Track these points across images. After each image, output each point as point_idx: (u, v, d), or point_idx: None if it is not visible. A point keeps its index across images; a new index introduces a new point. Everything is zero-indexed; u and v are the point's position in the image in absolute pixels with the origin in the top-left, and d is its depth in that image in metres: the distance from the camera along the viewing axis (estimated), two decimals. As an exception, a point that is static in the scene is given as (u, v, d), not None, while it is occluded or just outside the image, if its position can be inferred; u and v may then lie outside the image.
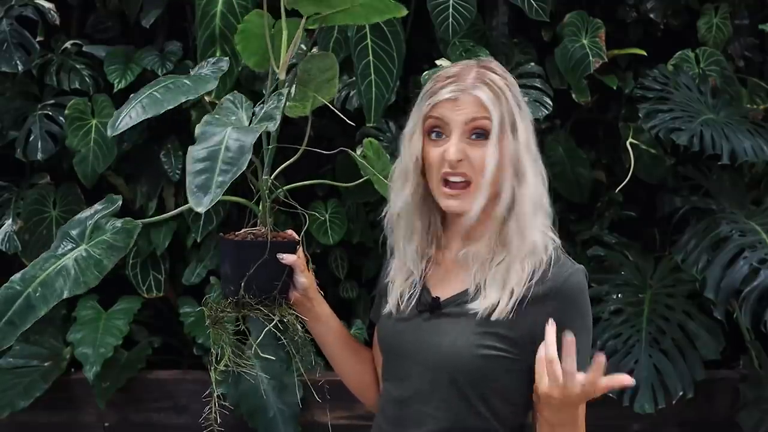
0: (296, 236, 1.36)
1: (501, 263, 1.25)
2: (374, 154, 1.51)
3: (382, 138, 2.26)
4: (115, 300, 2.38)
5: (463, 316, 1.25)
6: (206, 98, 1.95)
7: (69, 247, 1.28)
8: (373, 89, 2.08)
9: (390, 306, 1.34)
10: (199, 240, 2.34)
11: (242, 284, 1.26)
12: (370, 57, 2.07)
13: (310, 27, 1.36)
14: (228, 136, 1.16)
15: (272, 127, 1.21)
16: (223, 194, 1.11)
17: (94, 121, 2.31)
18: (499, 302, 1.23)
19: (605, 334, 2.15)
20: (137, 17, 2.36)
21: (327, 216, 2.31)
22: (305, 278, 1.34)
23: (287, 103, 1.33)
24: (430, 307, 1.29)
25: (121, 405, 2.30)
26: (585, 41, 2.27)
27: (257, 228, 1.34)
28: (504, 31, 2.31)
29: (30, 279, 1.23)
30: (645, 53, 2.35)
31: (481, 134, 1.23)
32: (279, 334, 1.31)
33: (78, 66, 2.39)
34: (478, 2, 2.13)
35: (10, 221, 2.39)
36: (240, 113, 1.31)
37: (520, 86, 2.18)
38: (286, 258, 1.30)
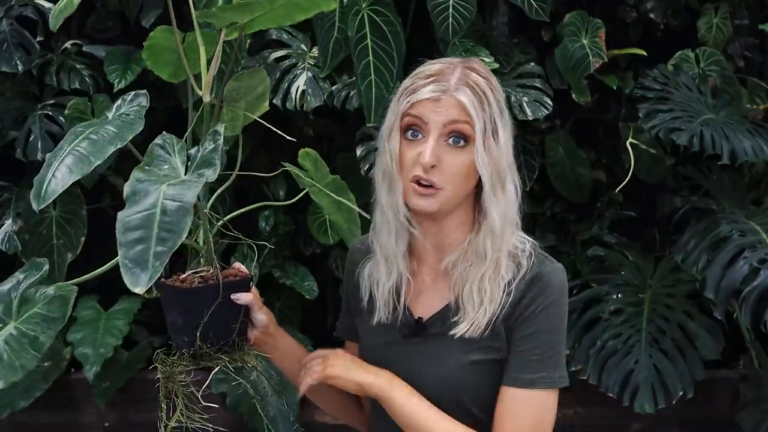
0: (247, 271, 1.26)
1: (478, 277, 1.21)
2: (312, 165, 1.43)
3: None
4: (115, 300, 2.38)
5: (450, 337, 1.23)
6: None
7: (-5, 326, 1.04)
8: (373, 89, 2.08)
9: (379, 313, 1.28)
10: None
11: (198, 334, 1.16)
12: (370, 57, 2.07)
13: (228, 38, 1.25)
14: (163, 195, 1.00)
15: (213, 175, 1.06)
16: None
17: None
18: (474, 321, 1.20)
19: (605, 334, 2.14)
20: (137, 17, 2.35)
21: (327, 216, 2.30)
22: (264, 314, 1.25)
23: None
24: (414, 330, 1.26)
25: (121, 405, 2.30)
26: (585, 41, 2.27)
27: (204, 268, 1.22)
28: (504, 31, 2.30)
29: None
30: (645, 53, 2.35)
31: (458, 139, 1.18)
32: (234, 375, 1.20)
33: (78, 66, 2.38)
34: (478, 2, 2.13)
35: (10, 221, 2.38)
36: (173, 160, 1.13)
37: (520, 86, 2.23)
38: (242, 298, 1.20)
